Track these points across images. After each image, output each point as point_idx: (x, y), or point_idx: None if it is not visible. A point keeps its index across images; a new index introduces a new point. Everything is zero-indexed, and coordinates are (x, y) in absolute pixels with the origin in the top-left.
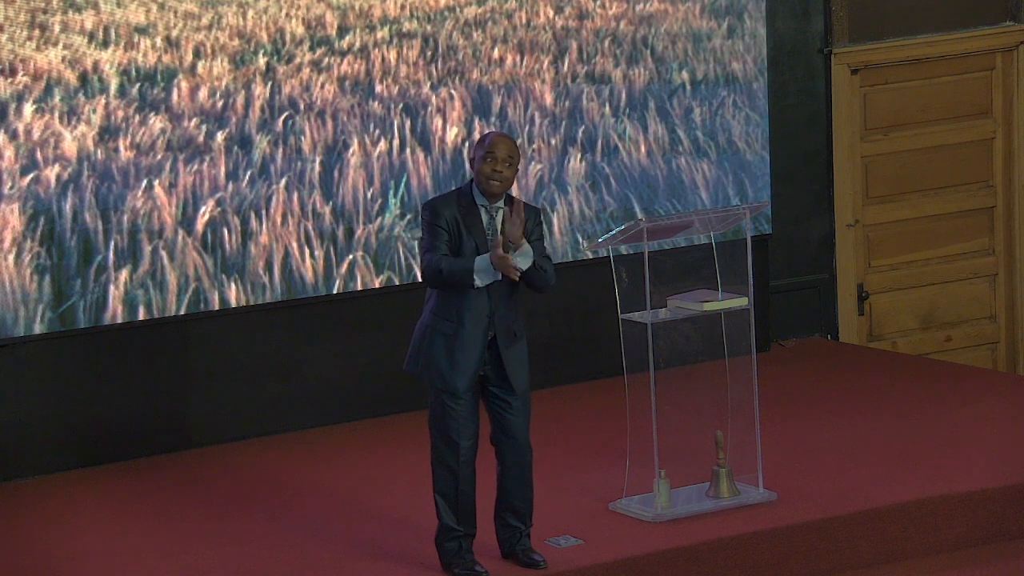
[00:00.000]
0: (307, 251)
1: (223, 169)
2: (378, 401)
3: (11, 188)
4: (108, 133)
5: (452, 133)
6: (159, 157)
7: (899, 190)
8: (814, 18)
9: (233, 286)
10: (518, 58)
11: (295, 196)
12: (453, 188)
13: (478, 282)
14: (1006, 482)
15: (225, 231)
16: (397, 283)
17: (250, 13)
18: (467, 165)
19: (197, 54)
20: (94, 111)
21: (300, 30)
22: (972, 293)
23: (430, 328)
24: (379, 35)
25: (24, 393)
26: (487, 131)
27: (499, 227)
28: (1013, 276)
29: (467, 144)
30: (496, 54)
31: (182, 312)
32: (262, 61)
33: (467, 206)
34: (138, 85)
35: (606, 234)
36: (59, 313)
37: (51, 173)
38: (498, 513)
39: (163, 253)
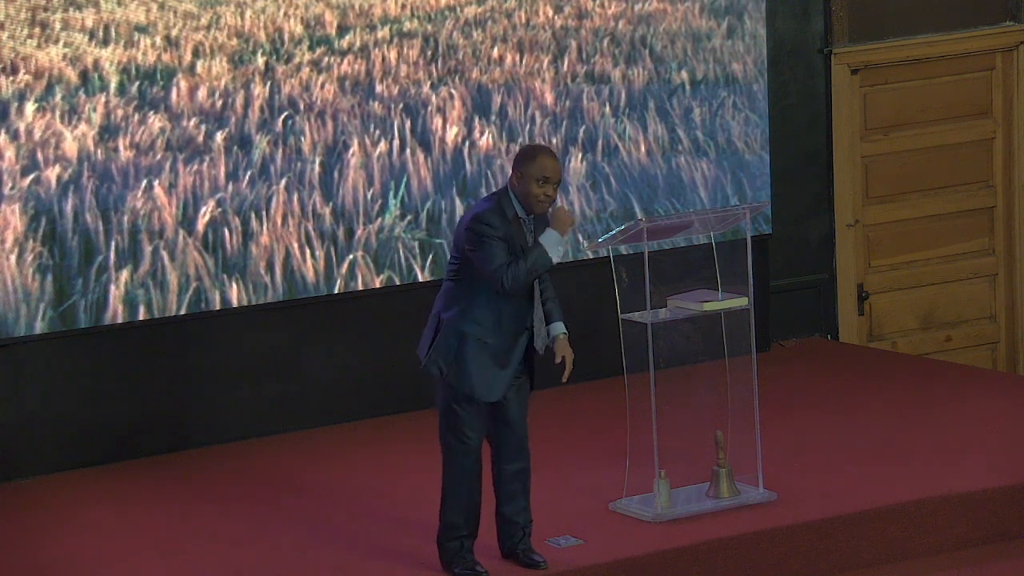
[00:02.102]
0: (308, 251)
1: (223, 169)
2: (378, 401)
3: (12, 189)
4: (108, 133)
5: (452, 133)
6: (159, 157)
7: (899, 190)
8: (814, 18)
9: (234, 286)
10: (518, 57)
11: (295, 196)
12: (490, 194)
13: (555, 258)
14: (1006, 482)
15: (226, 231)
16: (397, 283)
17: (248, 13)
18: (510, 176)
19: (196, 54)
20: (94, 110)
21: (299, 29)
22: (972, 293)
23: (462, 333)
24: (379, 35)
25: (24, 393)
26: (531, 143)
27: (528, 239)
28: (1013, 276)
29: (467, 143)
30: (496, 53)
31: (182, 312)
32: (261, 61)
33: (513, 219)
34: (137, 84)
35: (606, 234)
36: (60, 313)
37: (52, 173)
38: (499, 510)
39: (164, 253)
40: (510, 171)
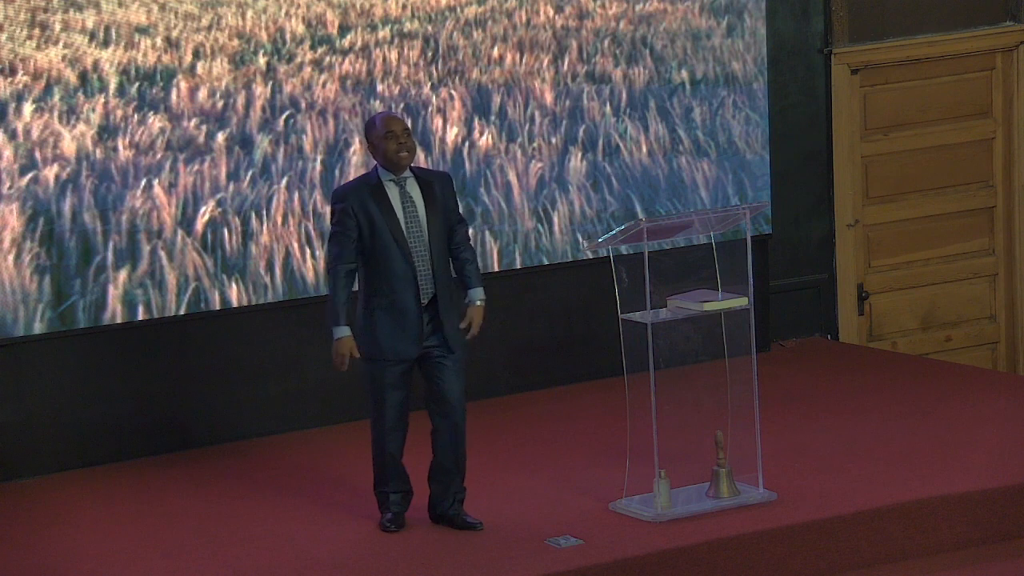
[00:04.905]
0: (308, 251)
1: (224, 169)
2: None
3: (10, 188)
4: (107, 133)
5: (452, 133)
6: (159, 157)
7: (899, 190)
8: (814, 18)
9: (234, 286)
10: (518, 57)
11: (296, 196)
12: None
13: (334, 334)
14: (1006, 482)
15: (225, 231)
16: None
17: (249, 13)
18: (369, 153)
19: (197, 54)
20: (93, 110)
21: (300, 29)
22: (972, 293)
23: (368, 306)
24: (380, 34)
25: (24, 393)
26: (373, 114)
27: (413, 195)
28: (1013, 276)
29: (467, 144)
30: (496, 53)
31: (182, 312)
32: (262, 61)
33: (374, 187)
34: (137, 84)
35: (606, 234)
36: (59, 313)
37: (50, 173)
38: (430, 475)
39: (162, 253)
40: (370, 154)
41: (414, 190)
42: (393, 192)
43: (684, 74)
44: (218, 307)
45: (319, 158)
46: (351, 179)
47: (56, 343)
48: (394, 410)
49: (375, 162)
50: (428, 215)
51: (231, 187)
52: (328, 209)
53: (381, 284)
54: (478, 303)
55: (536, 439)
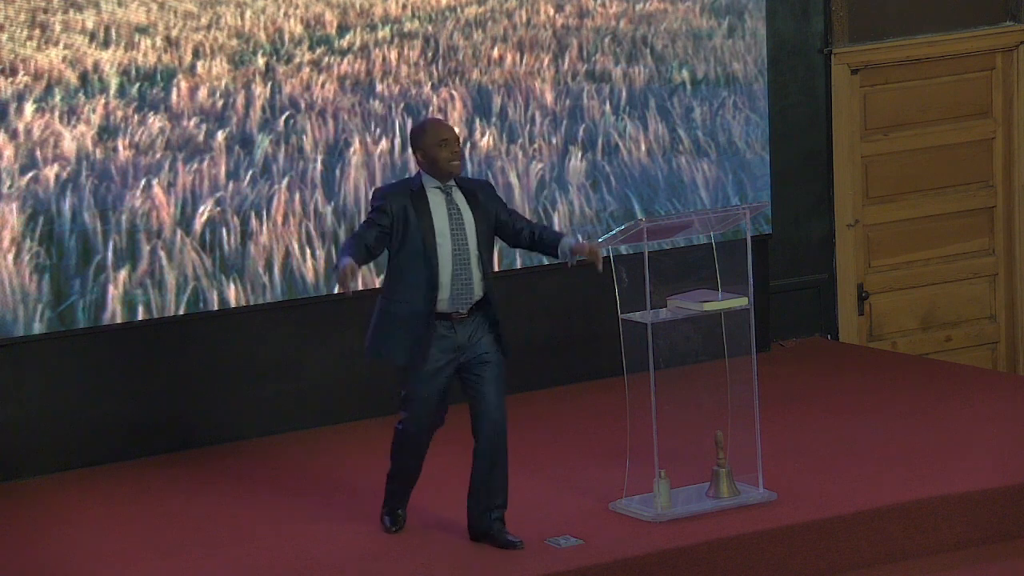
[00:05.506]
0: (308, 251)
1: (223, 169)
2: (379, 401)
3: (10, 187)
4: (107, 132)
5: None
6: (158, 156)
7: (899, 190)
8: (814, 18)
9: (233, 286)
10: (518, 57)
11: (296, 196)
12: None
13: (341, 262)
14: (1006, 482)
15: (224, 231)
16: None
17: (248, 13)
18: (417, 161)
19: (196, 54)
20: (93, 111)
21: (299, 29)
22: (972, 293)
23: (381, 305)
24: (380, 34)
25: (24, 393)
26: (422, 119)
27: (460, 204)
28: (1013, 276)
29: (468, 144)
30: (496, 53)
31: (181, 312)
32: (261, 61)
33: (416, 193)
34: (137, 85)
35: (606, 234)
36: (58, 313)
37: (50, 173)
38: (469, 492)
39: (162, 253)
40: (414, 157)
41: (459, 199)
42: (438, 200)
43: (684, 74)
44: (217, 307)
45: (319, 158)
46: (393, 181)
47: (56, 343)
48: (425, 420)
49: (419, 168)
50: (475, 222)
51: (230, 187)
52: (329, 208)
53: (397, 286)
54: (575, 243)
55: (536, 439)
